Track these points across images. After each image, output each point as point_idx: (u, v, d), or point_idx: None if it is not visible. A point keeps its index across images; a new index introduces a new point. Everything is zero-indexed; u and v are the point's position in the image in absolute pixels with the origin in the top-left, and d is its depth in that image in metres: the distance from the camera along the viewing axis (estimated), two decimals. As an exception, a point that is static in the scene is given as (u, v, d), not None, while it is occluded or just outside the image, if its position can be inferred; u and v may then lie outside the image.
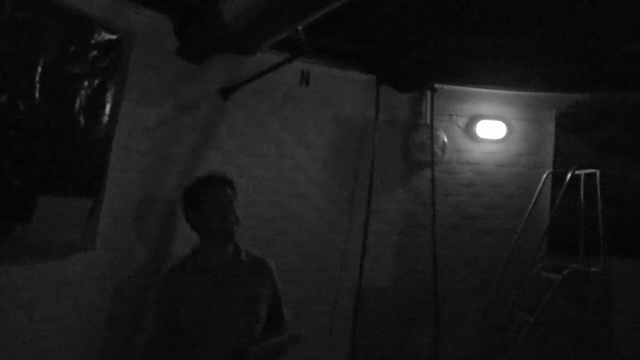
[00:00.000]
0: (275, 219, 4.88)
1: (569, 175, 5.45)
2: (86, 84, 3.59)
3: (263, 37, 3.02)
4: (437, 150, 5.57)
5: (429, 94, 5.53)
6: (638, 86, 5.64)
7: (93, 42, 3.60)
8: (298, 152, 5.02)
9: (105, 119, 3.78)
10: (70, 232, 3.49)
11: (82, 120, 3.58)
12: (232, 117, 4.55)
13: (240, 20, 2.80)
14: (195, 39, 3.16)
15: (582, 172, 5.50)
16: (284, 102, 4.88)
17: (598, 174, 5.37)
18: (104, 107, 3.76)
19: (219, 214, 3.23)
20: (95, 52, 3.64)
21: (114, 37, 3.75)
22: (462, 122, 5.81)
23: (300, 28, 3.25)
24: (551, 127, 5.89)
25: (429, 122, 5.52)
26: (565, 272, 5.11)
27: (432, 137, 5.45)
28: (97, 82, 3.69)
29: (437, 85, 5.50)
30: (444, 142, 5.65)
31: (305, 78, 4.85)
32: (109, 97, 3.80)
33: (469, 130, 5.82)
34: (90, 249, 3.64)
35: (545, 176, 5.70)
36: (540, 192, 5.67)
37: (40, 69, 3.27)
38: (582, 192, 5.48)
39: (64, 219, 3.43)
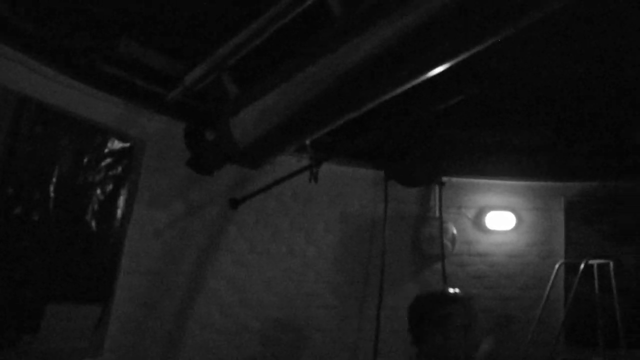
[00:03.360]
0: (284, 319, 4.84)
1: (582, 266, 5.40)
2: (99, 191, 3.70)
3: (271, 152, 3.12)
4: (447, 243, 5.56)
5: (437, 186, 5.59)
6: (645, 175, 5.69)
7: (106, 150, 3.74)
8: (307, 250, 5.04)
9: (117, 224, 3.86)
10: (78, 340, 3.49)
11: (94, 226, 3.67)
12: (241, 217, 4.62)
13: (249, 136, 2.91)
14: (204, 152, 3.28)
15: (594, 262, 5.44)
16: (292, 200, 4.96)
17: (611, 264, 5.31)
18: (115, 212, 3.85)
19: None
20: (108, 160, 3.77)
21: (126, 144, 3.89)
22: (471, 213, 5.83)
23: (308, 143, 3.35)
24: (560, 216, 5.88)
25: (437, 214, 5.54)
26: (584, 366, 4.98)
27: (442, 230, 5.46)
28: (109, 188, 3.80)
29: (444, 178, 5.56)
30: (453, 234, 5.66)
31: (313, 175, 4.94)
32: (121, 202, 3.90)
33: (478, 221, 5.83)
34: (97, 355, 3.62)
35: (557, 266, 5.64)
36: (553, 282, 5.60)
37: (54, 180, 3.38)
38: (596, 283, 5.40)
39: (71, 326, 3.45)
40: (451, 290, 2.81)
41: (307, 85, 2.71)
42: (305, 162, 4.49)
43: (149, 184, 4.02)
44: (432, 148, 5.16)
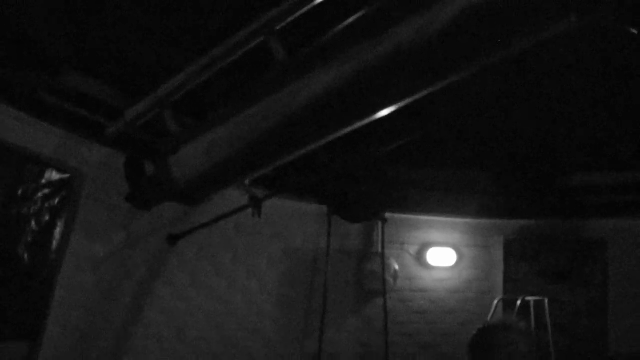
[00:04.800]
0: (224, 354, 4.78)
1: (519, 302, 5.52)
2: (33, 222, 3.59)
3: (210, 190, 3.12)
4: (389, 279, 5.61)
5: (379, 223, 5.65)
6: (579, 215, 5.90)
7: (43, 181, 3.65)
8: (249, 285, 5.01)
9: (52, 256, 3.76)
10: (5, 379, 3.36)
11: (26, 259, 3.56)
12: (182, 251, 4.56)
13: (188, 174, 2.90)
14: (144, 188, 3.24)
15: (531, 299, 5.58)
16: (235, 234, 4.92)
17: (546, 302, 5.45)
18: (51, 244, 3.75)
19: None
20: (45, 191, 3.68)
21: (65, 175, 3.81)
22: (413, 249, 5.92)
23: (247, 183, 3.35)
24: (500, 253, 6.02)
25: (380, 250, 5.59)
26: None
27: (384, 266, 5.51)
28: (45, 219, 3.70)
29: (387, 214, 5.63)
30: (395, 270, 5.72)
31: (257, 210, 4.93)
32: (57, 233, 3.80)
33: (420, 257, 5.92)
34: (25, 395, 3.49)
35: (496, 302, 5.75)
36: (492, 318, 5.70)
37: (-16, 211, 3.28)
38: (532, 319, 5.54)
39: (-3, 365, 3.31)
40: (512, 321, 2.94)
41: (250, 125, 2.73)
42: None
43: (88, 215, 3.93)
44: (375, 185, 5.23)
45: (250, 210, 4.89)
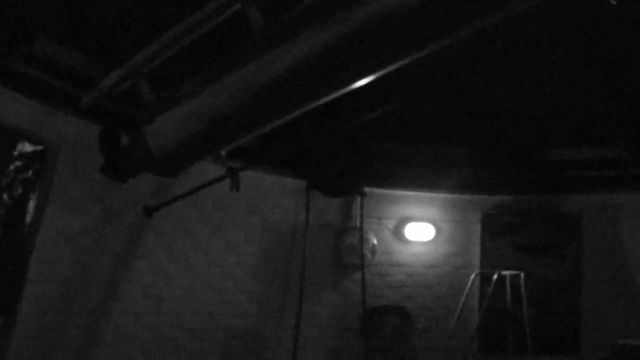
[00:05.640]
0: (202, 328, 4.77)
1: (495, 277, 5.58)
2: (5, 196, 3.53)
3: (187, 160, 3.08)
4: (367, 253, 5.64)
5: (358, 197, 5.65)
6: (556, 190, 5.97)
7: (15, 153, 3.58)
8: (227, 259, 4.99)
9: (26, 230, 3.70)
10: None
11: (-1, 232, 3.50)
12: (159, 224, 4.52)
13: (165, 144, 2.86)
14: (119, 159, 3.18)
15: (507, 273, 5.64)
16: (213, 208, 4.89)
17: (522, 276, 5.53)
18: (24, 218, 3.69)
19: None
20: (17, 164, 3.61)
21: (38, 147, 3.73)
22: (391, 224, 5.94)
23: (223, 154, 3.31)
24: (477, 229, 6.07)
25: (358, 225, 5.61)
26: (495, 373, 5.16)
27: (362, 240, 5.53)
28: (18, 192, 3.64)
29: (366, 189, 5.63)
30: (373, 245, 5.74)
31: (235, 184, 4.90)
32: (31, 207, 3.74)
33: (398, 232, 5.94)
34: (-1, 368, 3.46)
35: (473, 276, 5.81)
36: (469, 292, 5.77)
37: (-45, 183, 3.21)
38: (508, 293, 5.61)
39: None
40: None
41: (227, 93, 2.69)
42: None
43: (62, 188, 3.87)
44: (354, 159, 5.22)
45: (228, 184, 4.87)
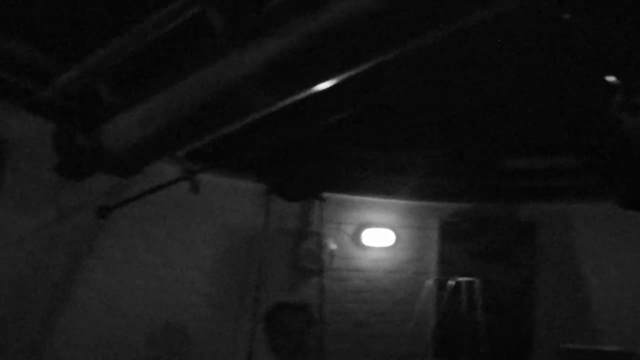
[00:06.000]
0: (157, 331, 4.71)
1: (451, 283, 5.67)
2: (-47, 194, 3.42)
3: (144, 161, 3.03)
4: (325, 258, 5.66)
5: (317, 202, 5.66)
6: (512, 199, 6.09)
7: (-36, 150, 3.47)
8: (184, 261, 4.94)
9: (-26, 229, 3.59)
10: None
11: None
12: (114, 225, 4.44)
13: (121, 144, 2.81)
14: (74, 158, 3.12)
15: (463, 280, 5.73)
16: (172, 210, 4.84)
17: (478, 282, 5.62)
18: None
19: None
20: (-34, 161, 3.50)
21: (-11, 144, 3.63)
22: (350, 229, 5.97)
23: (182, 155, 3.28)
24: (435, 235, 6.15)
25: (317, 230, 5.62)
26: (450, 379, 5.22)
27: (321, 245, 5.54)
28: (-35, 191, 3.53)
29: (326, 194, 5.65)
30: (331, 250, 5.76)
31: (194, 186, 4.85)
32: (-20, 206, 3.63)
33: (356, 237, 5.98)
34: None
35: (429, 283, 5.89)
36: (425, 298, 5.84)
37: None
38: (464, 299, 5.69)
39: None
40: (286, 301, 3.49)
41: (187, 94, 2.67)
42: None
43: (14, 187, 3.76)
44: (314, 164, 5.23)
45: (187, 186, 4.82)
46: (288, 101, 2.70)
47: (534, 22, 3.52)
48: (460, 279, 5.72)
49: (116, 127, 2.85)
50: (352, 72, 2.50)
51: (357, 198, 5.95)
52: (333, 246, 5.78)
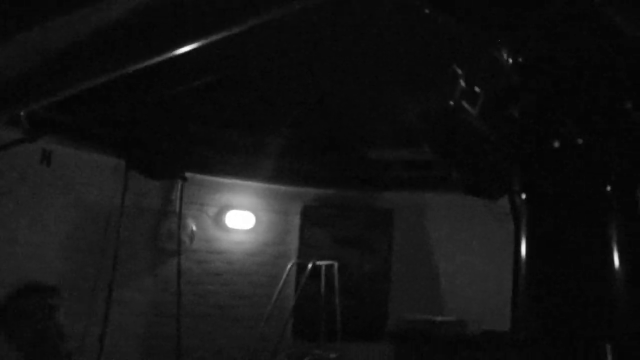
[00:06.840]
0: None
1: (310, 266, 5.81)
2: None
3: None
4: (185, 239, 5.59)
5: (179, 181, 5.57)
6: (372, 187, 6.35)
7: None
8: (32, 238, 4.65)
9: None
10: None
11: None
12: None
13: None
14: None
15: (322, 263, 5.89)
16: (19, 182, 4.54)
17: (336, 265, 5.81)
18: None
19: None
20: None
21: None
22: (212, 211, 5.94)
23: (22, 114, 3.10)
24: (297, 219, 6.28)
25: (178, 210, 5.53)
26: (306, 358, 5.36)
27: (180, 225, 5.46)
28: None
29: (188, 174, 5.57)
30: (192, 231, 5.70)
31: (46, 157, 4.60)
32: None
33: (218, 219, 5.96)
34: None
35: (289, 266, 5.99)
36: (285, 281, 5.94)
37: None
38: (322, 282, 5.86)
39: None
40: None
41: (29, 48, 2.54)
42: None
43: None
44: (176, 142, 5.16)
45: (38, 158, 4.57)
46: (141, 65, 2.64)
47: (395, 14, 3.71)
48: (319, 262, 5.88)
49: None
50: (209, 40, 2.49)
51: (219, 180, 5.93)
52: (193, 227, 5.72)
